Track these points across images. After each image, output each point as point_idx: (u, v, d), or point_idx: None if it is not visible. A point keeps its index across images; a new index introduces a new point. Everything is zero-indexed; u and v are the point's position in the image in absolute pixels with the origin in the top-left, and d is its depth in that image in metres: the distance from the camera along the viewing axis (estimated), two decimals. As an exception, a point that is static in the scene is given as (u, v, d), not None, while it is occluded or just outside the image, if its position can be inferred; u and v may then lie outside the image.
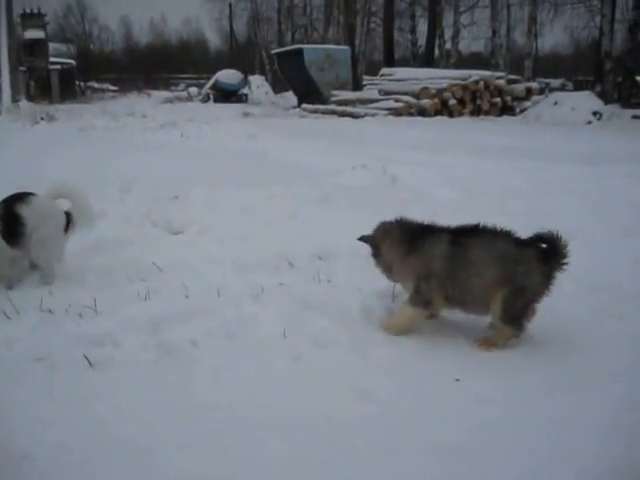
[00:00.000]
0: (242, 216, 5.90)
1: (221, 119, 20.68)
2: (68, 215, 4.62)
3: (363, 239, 3.91)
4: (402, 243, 3.72)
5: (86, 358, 3.17)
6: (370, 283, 4.14)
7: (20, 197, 4.44)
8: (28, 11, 40.92)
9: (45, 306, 3.85)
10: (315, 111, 25.64)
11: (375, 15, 47.33)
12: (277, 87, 40.02)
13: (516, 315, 3.52)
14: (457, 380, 3.14)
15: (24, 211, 4.35)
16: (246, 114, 25.17)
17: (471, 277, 3.53)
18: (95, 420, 2.72)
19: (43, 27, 41.24)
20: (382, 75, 27.48)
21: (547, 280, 3.52)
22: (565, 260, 3.50)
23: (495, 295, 3.48)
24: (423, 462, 2.45)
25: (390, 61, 36.36)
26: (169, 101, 36.29)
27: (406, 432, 2.66)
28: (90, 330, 3.47)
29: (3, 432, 2.60)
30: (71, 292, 4.14)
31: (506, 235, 3.60)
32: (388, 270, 3.81)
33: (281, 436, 2.60)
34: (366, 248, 3.90)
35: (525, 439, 2.63)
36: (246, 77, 39.24)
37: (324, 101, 26.74)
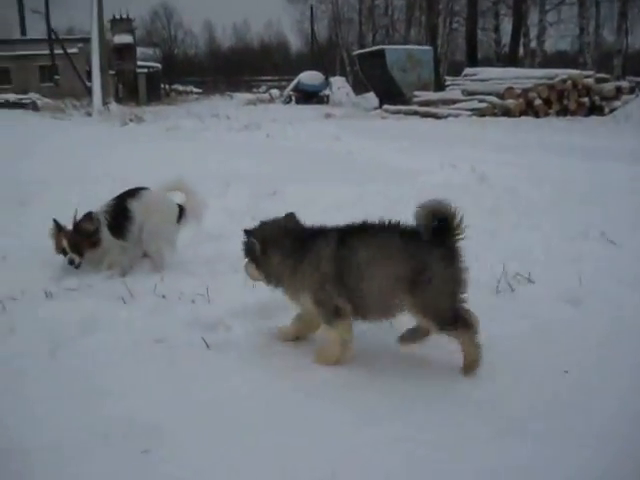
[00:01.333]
0: (338, 212, 6.01)
1: (304, 120, 20.88)
2: (181, 208, 4.88)
3: (248, 233, 3.35)
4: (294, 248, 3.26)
5: (204, 340, 3.34)
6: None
7: (131, 192, 4.77)
8: (117, 17, 42.38)
9: (159, 292, 4.07)
10: (397, 112, 25.57)
11: (458, 15, 46.87)
12: (358, 88, 40.05)
13: (443, 312, 3.10)
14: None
15: (132, 205, 4.69)
16: (328, 115, 25.34)
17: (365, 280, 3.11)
18: (218, 399, 2.86)
19: (131, 32, 42.63)
20: (465, 75, 27.15)
21: (451, 260, 3.09)
22: (459, 231, 3.08)
23: (404, 298, 3.08)
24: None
25: (473, 61, 35.88)
26: (251, 103, 36.86)
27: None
28: (203, 315, 3.66)
29: (136, 406, 2.78)
30: (182, 280, 4.37)
31: (393, 228, 3.17)
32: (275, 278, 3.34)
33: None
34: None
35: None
36: (327, 78, 39.49)
37: (406, 102, 26.64)
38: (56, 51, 43.00)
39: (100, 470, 2.36)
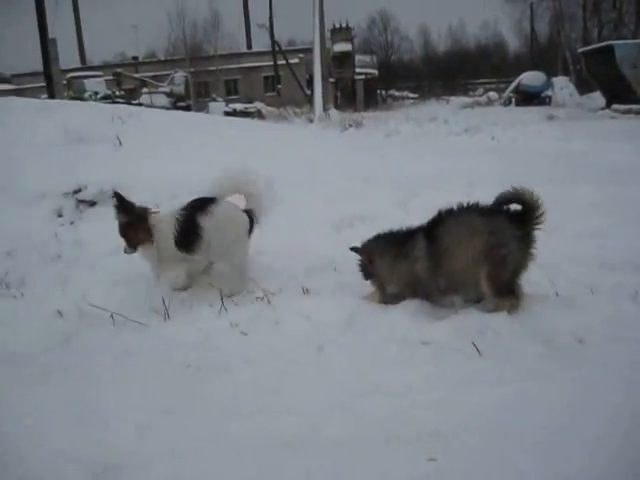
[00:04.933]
0: (594, 211, 5.66)
1: (526, 123, 20.06)
2: (250, 215, 4.55)
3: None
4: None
5: (474, 345, 3.20)
6: None
7: (199, 205, 4.47)
8: (337, 26, 43.71)
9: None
10: (627, 111, 23.77)
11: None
12: (582, 88, 37.93)
13: (504, 286, 3.61)
14: None
15: (202, 220, 4.37)
16: (550, 117, 24.18)
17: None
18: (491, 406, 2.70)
19: (350, 40, 43.79)
20: None
21: (526, 244, 3.62)
22: (539, 217, 3.63)
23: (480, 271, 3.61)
24: None
25: None
26: (468, 106, 36.23)
27: None
28: (467, 318, 3.53)
29: (411, 408, 2.70)
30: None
31: (473, 209, 3.73)
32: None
33: None
34: None
35: None
36: (549, 79, 37.81)
37: (638, 100, 24.70)
38: (279, 62, 45.32)
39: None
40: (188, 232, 4.37)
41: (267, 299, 4.06)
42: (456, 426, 2.54)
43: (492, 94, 41.31)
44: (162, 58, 54.91)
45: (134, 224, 4.40)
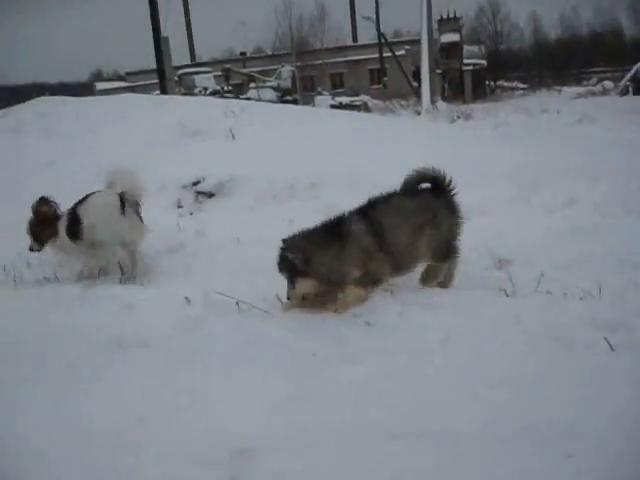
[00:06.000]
0: None
1: (647, 112, 19.10)
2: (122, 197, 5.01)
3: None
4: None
5: (606, 341, 3.08)
6: None
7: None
8: (445, 17, 43.07)
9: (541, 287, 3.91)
10: None
11: None
12: None
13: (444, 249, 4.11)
14: None
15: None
16: (672, 106, 22.92)
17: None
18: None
19: (458, 31, 43.02)
20: None
21: (452, 210, 4.16)
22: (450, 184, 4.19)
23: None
24: None
25: None
26: (581, 96, 34.77)
27: None
28: (599, 314, 3.40)
29: (542, 404, 2.64)
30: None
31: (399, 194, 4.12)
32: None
33: None
34: None
35: None
36: (670, 66, 35.75)
37: None
38: (385, 54, 45.11)
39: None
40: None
41: (391, 290, 4.06)
42: (595, 424, 2.46)
43: (607, 83, 39.45)
44: (269, 53, 55.75)
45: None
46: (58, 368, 3.24)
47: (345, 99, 34.85)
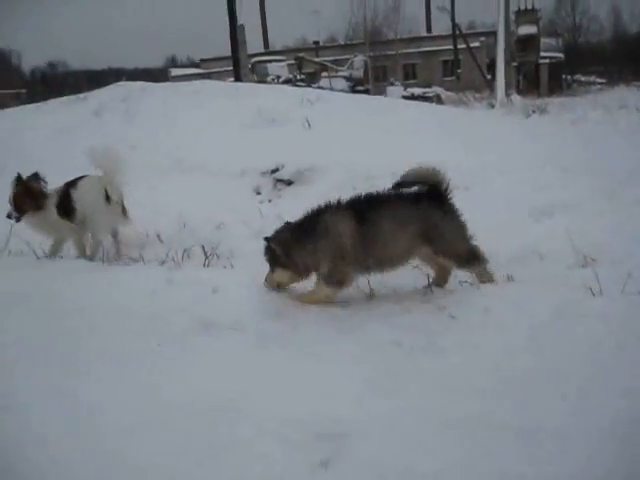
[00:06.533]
0: None
1: None
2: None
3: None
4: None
5: None
6: None
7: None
8: (522, 8, 42.09)
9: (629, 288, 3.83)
10: None
11: None
12: None
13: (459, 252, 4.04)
14: None
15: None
16: None
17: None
18: None
19: (536, 22, 41.98)
20: None
21: (451, 215, 4.05)
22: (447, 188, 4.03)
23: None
24: None
25: None
26: (664, 92, 33.66)
27: None
28: None
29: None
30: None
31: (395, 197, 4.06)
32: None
33: None
34: None
35: None
36: None
37: None
38: (459, 45, 44.49)
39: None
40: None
41: (477, 285, 4.05)
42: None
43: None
44: (342, 42, 55.62)
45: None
46: (149, 347, 3.35)
47: (417, 90, 34.47)
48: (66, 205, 5.51)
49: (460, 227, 4.06)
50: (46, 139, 9.85)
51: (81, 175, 5.66)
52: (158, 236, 5.80)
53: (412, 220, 3.98)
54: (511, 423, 2.58)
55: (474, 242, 4.10)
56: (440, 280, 4.23)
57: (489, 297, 3.80)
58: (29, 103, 17.38)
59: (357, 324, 3.59)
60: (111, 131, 10.26)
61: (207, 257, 5.01)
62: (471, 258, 4.08)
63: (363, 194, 4.11)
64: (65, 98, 13.16)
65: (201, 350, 3.30)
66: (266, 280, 4.14)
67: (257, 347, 3.32)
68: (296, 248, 4.00)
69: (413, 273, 4.30)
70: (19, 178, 5.45)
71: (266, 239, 4.11)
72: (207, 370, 3.08)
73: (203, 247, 5.13)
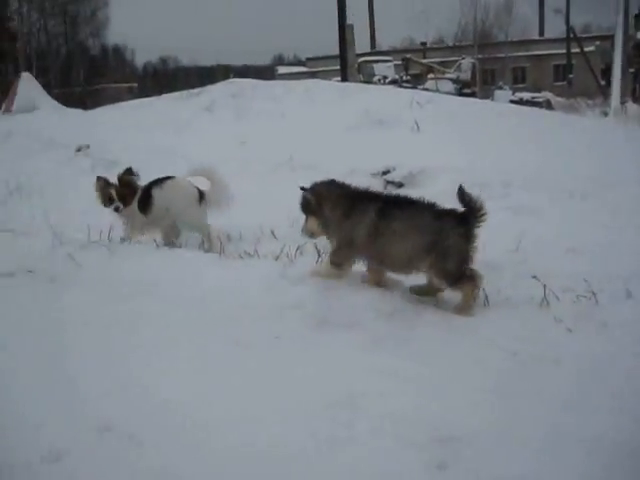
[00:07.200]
0: None
1: None
2: (201, 192, 5.86)
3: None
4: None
5: None
6: None
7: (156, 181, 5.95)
8: (642, 12, 40.38)
9: None
10: None
11: None
12: None
13: (452, 274, 3.99)
14: None
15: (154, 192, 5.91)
16: None
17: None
18: None
19: (658, 27, 40.19)
20: None
21: (467, 239, 4.00)
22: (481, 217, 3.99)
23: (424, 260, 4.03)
24: None
25: None
26: None
27: None
28: None
29: None
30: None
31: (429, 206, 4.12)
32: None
33: None
34: None
35: None
36: None
37: None
38: (572, 50, 43.11)
39: None
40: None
41: (595, 299, 3.97)
42: None
43: None
44: (450, 44, 54.90)
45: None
46: (268, 338, 3.47)
47: (526, 95, 33.66)
48: (146, 202, 5.82)
49: (462, 251, 4.05)
50: (163, 133, 10.29)
51: (167, 175, 5.97)
52: (272, 232, 5.93)
53: (425, 233, 4.06)
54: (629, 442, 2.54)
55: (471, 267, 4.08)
56: (429, 290, 4.23)
57: (609, 312, 3.73)
58: (141, 97, 18.17)
59: (472, 329, 3.60)
60: (222, 127, 10.59)
61: (320, 255, 5.11)
62: (462, 279, 4.03)
63: (400, 195, 4.43)
64: (178, 93, 13.69)
65: (316, 346, 3.39)
66: (302, 229, 4.48)
67: (372, 346, 3.38)
68: (326, 205, 4.27)
69: (528, 282, 4.24)
70: (129, 170, 5.82)
71: (302, 188, 4.37)
72: (324, 367, 3.16)
73: (316, 245, 5.22)
